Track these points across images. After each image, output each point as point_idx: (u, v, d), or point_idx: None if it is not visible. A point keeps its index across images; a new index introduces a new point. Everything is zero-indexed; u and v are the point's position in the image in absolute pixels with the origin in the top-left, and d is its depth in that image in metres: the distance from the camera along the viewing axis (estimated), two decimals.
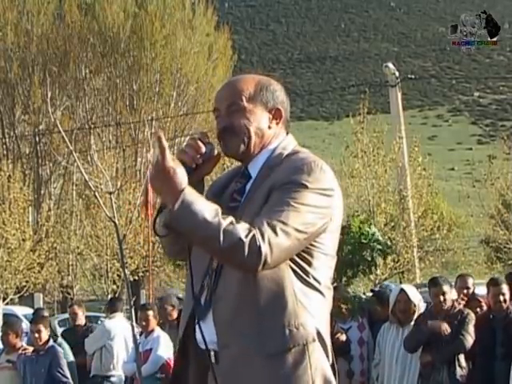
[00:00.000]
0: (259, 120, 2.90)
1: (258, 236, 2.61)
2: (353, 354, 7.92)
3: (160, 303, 9.15)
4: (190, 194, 2.63)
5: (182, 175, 2.63)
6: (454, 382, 6.94)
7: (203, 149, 2.80)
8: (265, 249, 2.61)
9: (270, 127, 2.92)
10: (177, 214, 2.60)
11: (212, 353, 2.75)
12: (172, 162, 2.63)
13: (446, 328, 6.99)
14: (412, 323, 7.30)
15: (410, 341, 7.12)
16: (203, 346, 2.76)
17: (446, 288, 7.17)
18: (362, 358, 7.93)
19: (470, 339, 6.95)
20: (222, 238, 2.58)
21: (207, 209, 2.62)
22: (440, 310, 7.12)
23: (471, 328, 7.00)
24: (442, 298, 7.11)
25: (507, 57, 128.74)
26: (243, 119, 2.87)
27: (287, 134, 2.98)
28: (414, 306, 7.34)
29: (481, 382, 7.02)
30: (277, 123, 2.94)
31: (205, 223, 2.59)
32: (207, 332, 2.75)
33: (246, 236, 2.60)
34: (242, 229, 2.61)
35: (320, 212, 2.75)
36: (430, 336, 7.00)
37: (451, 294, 7.30)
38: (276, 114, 2.94)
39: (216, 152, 2.85)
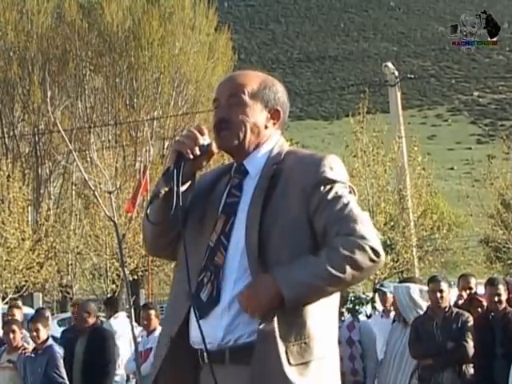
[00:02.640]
0: (257, 117, 2.87)
1: (359, 243, 2.64)
2: (341, 355, 7.79)
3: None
4: (283, 277, 2.61)
5: (267, 280, 2.62)
6: (462, 381, 6.94)
7: (201, 140, 2.77)
8: (373, 245, 2.66)
9: (266, 126, 2.89)
10: (294, 298, 2.59)
11: (215, 348, 2.68)
12: (254, 284, 2.63)
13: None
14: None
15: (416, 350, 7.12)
16: (199, 343, 2.69)
17: (443, 285, 7.15)
18: (353, 358, 7.81)
19: (472, 347, 6.94)
20: (337, 272, 2.60)
21: (303, 265, 2.62)
22: (437, 309, 7.09)
23: (471, 334, 6.98)
24: (439, 294, 7.08)
25: (507, 56, 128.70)
26: (241, 114, 2.84)
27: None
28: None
29: (481, 382, 7.03)
30: (274, 123, 2.92)
31: (316, 277, 2.60)
32: (206, 329, 2.66)
33: (352, 251, 2.62)
34: (342, 247, 2.61)
35: None
36: (429, 340, 7.00)
37: (450, 294, 7.28)
38: (274, 115, 2.91)
39: (213, 147, 2.81)
